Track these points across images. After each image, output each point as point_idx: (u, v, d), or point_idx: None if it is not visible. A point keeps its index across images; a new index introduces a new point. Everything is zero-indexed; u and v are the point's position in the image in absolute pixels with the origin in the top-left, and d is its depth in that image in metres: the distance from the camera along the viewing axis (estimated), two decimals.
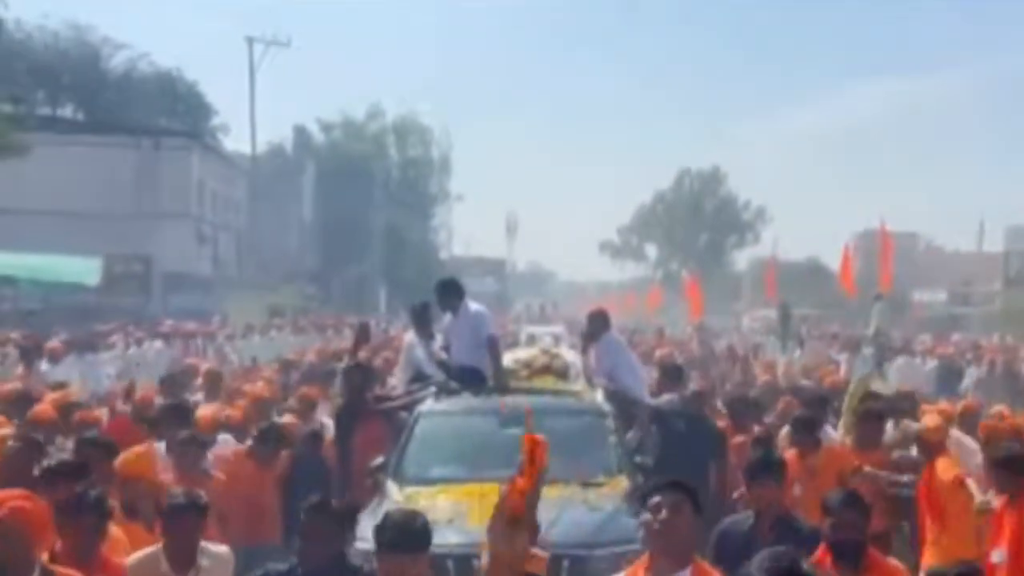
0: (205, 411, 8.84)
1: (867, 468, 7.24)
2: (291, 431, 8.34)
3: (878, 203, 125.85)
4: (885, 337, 14.15)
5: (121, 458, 6.11)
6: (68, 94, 42.84)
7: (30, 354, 12.89)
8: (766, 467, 5.49)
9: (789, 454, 7.13)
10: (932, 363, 17.05)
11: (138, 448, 6.64)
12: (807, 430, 7.37)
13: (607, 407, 8.33)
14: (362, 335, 10.45)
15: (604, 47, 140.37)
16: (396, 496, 7.12)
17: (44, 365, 13.00)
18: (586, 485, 7.09)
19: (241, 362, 17.04)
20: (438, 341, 9.61)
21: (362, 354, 10.56)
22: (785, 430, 8.16)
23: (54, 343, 14.13)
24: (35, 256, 21.44)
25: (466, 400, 8.48)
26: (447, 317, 9.36)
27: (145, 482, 5.85)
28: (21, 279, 21.46)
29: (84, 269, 21.79)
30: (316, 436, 8.37)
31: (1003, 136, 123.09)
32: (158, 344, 16.36)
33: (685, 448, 8.09)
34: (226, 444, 8.14)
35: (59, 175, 29.14)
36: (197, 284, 31.18)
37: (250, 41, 40.63)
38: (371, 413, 8.77)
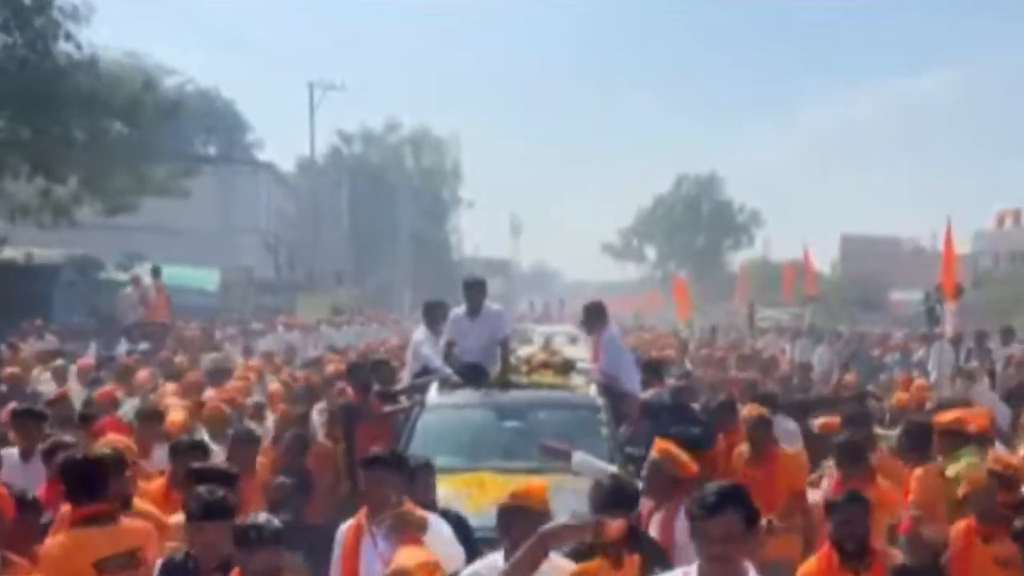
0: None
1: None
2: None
3: (862, 207, 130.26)
4: (816, 330, 21.16)
5: None
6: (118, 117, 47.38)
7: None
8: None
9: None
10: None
11: None
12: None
13: (600, 401, 8.69)
14: None
15: (605, 58, 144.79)
16: None
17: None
18: (578, 474, 7.11)
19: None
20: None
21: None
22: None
23: (232, 330, 19.46)
24: (169, 267, 26.16)
25: (468, 394, 8.84)
26: (454, 315, 9.75)
27: None
28: None
29: (207, 278, 26.74)
30: (299, 441, 8.07)
31: (976, 137, 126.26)
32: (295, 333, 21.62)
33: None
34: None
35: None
36: (269, 288, 36.26)
37: (311, 86, 45.29)
38: (375, 413, 9.01)
